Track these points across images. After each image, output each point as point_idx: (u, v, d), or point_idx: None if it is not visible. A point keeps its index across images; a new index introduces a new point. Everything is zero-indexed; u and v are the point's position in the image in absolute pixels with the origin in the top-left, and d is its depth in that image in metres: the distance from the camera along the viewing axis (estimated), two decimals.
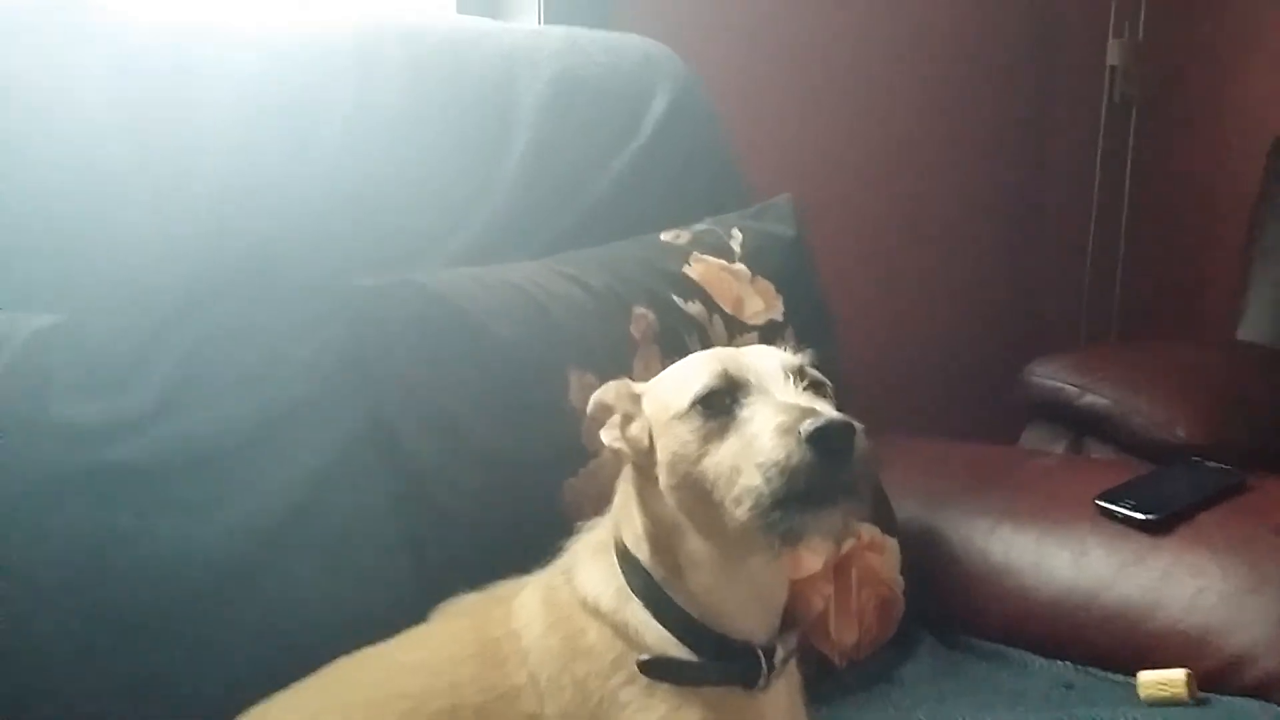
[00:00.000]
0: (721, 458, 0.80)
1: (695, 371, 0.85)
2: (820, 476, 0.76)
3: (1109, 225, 2.38)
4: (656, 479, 0.85)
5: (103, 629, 0.93)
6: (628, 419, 0.89)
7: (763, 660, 0.86)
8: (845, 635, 1.21)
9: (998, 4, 2.28)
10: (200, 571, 0.97)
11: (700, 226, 1.32)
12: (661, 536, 0.87)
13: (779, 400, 0.80)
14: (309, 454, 1.07)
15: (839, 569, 1.21)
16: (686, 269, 1.24)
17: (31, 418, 0.92)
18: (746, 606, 0.87)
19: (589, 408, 0.91)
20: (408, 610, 0.99)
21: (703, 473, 0.81)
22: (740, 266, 1.27)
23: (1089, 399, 1.71)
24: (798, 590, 1.17)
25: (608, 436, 0.89)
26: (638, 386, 0.91)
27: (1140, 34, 2.32)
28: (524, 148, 1.32)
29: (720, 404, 0.82)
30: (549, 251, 1.27)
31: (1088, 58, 2.35)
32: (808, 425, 0.76)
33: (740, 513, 0.78)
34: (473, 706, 0.85)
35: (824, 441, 0.75)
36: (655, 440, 0.86)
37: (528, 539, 0.98)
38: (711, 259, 1.27)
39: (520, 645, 0.88)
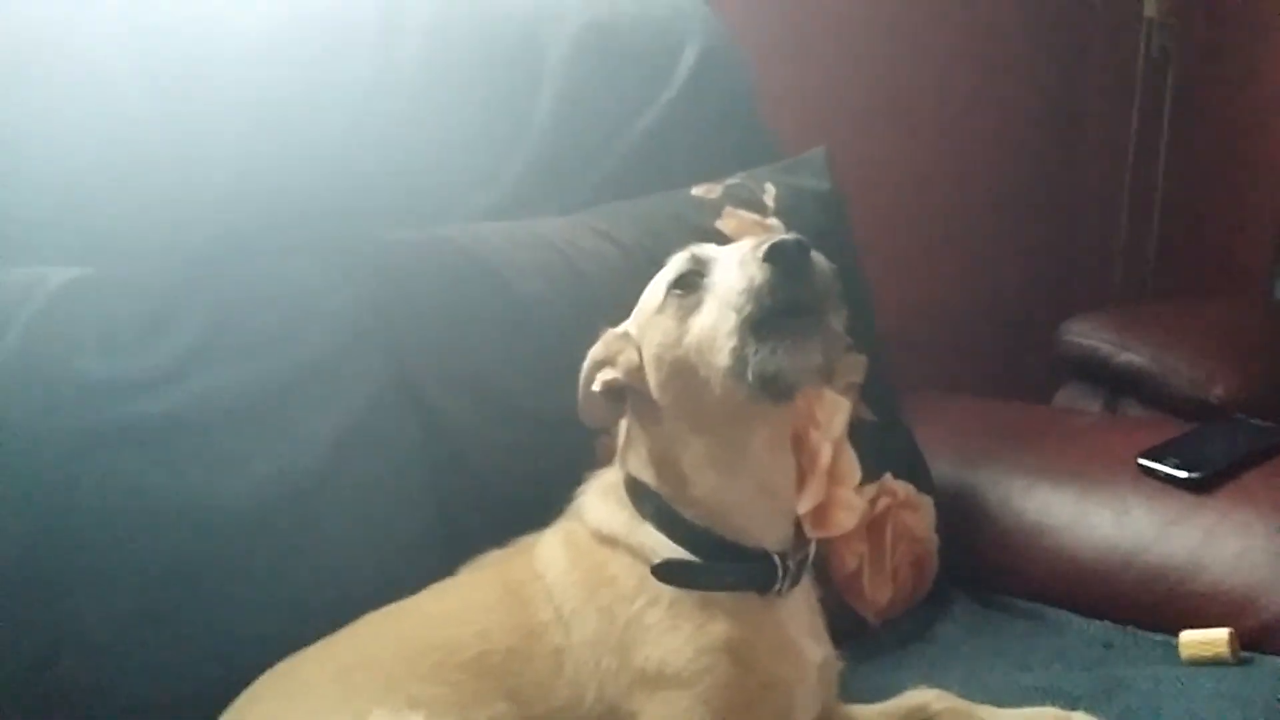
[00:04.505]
0: (701, 322, 0.84)
1: (667, 267, 0.90)
2: (784, 292, 0.79)
3: (1144, 181, 2.33)
4: (651, 396, 0.89)
5: (131, 582, 0.92)
6: (618, 355, 0.91)
7: (778, 563, 0.88)
8: (879, 593, 1.19)
9: None
10: (228, 525, 0.97)
11: (732, 180, 1.29)
12: (664, 452, 0.89)
13: (740, 253, 0.84)
14: (335, 409, 1.05)
15: (873, 527, 1.19)
16: (719, 223, 1.22)
17: (58, 372, 0.92)
18: (754, 504, 0.89)
19: (583, 374, 0.93)
20: (434, 565, 0.99)
21: (686, 352, 0.85)
22: (774, 221, 1.25)
23: (1125, 357, 1.68)
24: (832, 548, 1.16)
25: (601, 378, 0.91)
26: (620, 327, 0.94)
27: None
28: (552, 100, 1.30)
29: (693, 282, 0.86)
30: (580, 205, 1.25)
31: (1124, 10, 2.30)
32: (763, 247, 0.80)
33: (722, 360, 0.81)
34: (501, 650, 0.86)
35: (780, 256, 0.80)
36: (643, 351, 0.89)
37: (559, 497, 0.98)
38: (744, 213, 1.24)
39: (544, 585, 0.89)
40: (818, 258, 0.82)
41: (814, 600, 0.95)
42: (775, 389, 0.81)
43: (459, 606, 0.92)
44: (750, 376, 0.80)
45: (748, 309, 0.80)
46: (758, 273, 0.80)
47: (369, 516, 1.04)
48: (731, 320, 0.81)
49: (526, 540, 0.96)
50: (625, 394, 0.92)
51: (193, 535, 0.95)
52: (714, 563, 0.87)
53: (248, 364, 1.02)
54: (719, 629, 0.85)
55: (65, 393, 0.91)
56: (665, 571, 0.86)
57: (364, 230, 1.11)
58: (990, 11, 2.16)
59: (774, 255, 0.80)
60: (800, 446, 1.17)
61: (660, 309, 0.88)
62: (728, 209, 1.24)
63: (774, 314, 0.80)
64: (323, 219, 1.11)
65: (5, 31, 1.02)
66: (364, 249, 1.10)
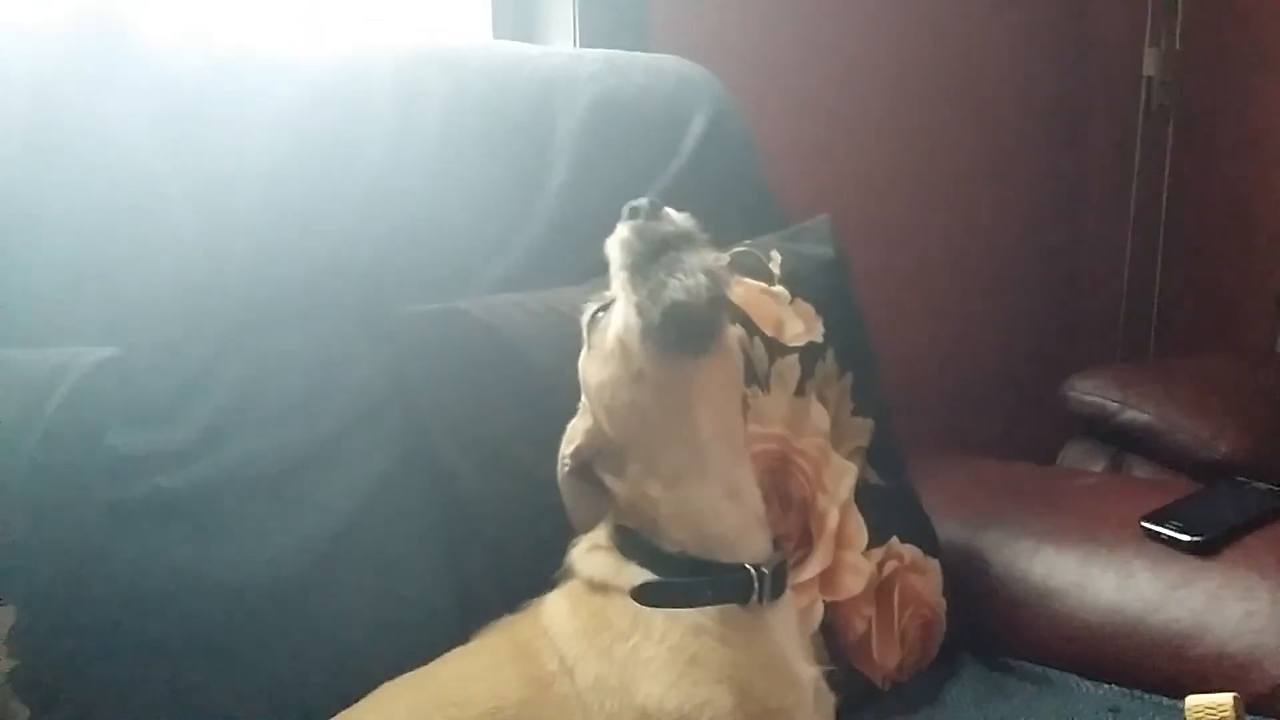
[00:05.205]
0: (611, 321, 0.91)
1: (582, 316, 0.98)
2: (649, 232, 0.89)
3: (1146, 237, 2.36)
4: (610, 446, 0.93)
5: (155, 657, 0.95)
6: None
7: (752, 571, 0.91)
8: (887, 657, 1.20)
9: (1032, 16, 2.28)
10: (250, 598, 0.99)
11: (738, 248, 1.32)
12: (634, 490, 0.93)
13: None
14: (354, 481, 1.09)
15: (881, 591, 1.21)
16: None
17: (88, 450, 0.93)
18: (722, 509, 0.92)
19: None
20: (452, 635, 1.01)
21: (611, 356, 0.90)
22: (779, 289, 1.27)
23: (1129, 415, 1.69)
24: (840, 613, 1.17)
25: (565, 454, 0.96)
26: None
27: (1176, 43, 2.29)
28: (565, 172, 1.33)
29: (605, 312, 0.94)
30: (591, 275, 1.27)
31: (1123, 68, 2.33)
32: (622, 212, 0.92)
33: (631, 322, 0.88)
34: (514, 704, 0.89)
35: (635, 212, 0.91)
36: (590, 404, 0.95)
37: None
38: (751, 281, 1.27)
39: (550, 637, 0.93)
40: (674, 212, 0.91)
41: (800, 621, 1.00)
42: (683, 326, 0.86)
43: (470, 667, 0.95)
44: (657, 317, 0.85)
45: (626, 260, 0.89)
46: (623, 231, 0.90)
47: (387, 586, 1.06)
48: (622, 280, 0.89)
49: (533, 603, 0.99)
50: (592, 467, 0.96)
51: (216, 606, 0.97)
52: (691, 578, 0.91)
53: (269, 436, 1.05)
54: (713, 659, 0.88)
55: (95, 468, 0.93)
56: (644, 593, 0.90)
57: (381, 303, 1.14)
58: (990, 73, 2.20)
59: (630, 212, 0.90)
60: (808, 511, 1.19)
61: (587, 346, 0.95)
62: (734, 277, 1.27)
63: (650, 256, 0.87)
64: (340, 293, 1.14)
65: (32, 111, 1.05)
66: (382, 322, 1.13)
